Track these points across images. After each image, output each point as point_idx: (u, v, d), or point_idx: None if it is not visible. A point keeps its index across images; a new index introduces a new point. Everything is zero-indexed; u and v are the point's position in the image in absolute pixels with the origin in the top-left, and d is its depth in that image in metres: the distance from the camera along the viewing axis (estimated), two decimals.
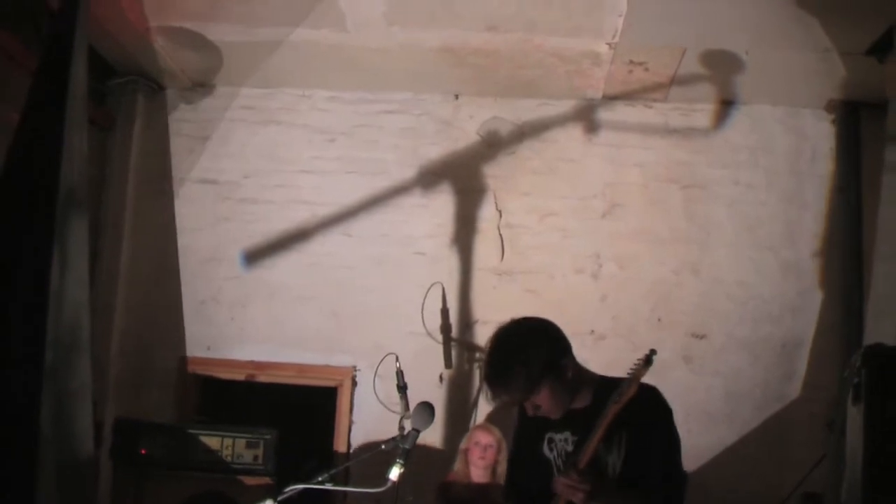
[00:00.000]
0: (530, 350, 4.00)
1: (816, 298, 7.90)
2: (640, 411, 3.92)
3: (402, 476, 4.10)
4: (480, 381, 7.52)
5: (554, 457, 4.10)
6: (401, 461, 4.01)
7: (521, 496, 4.24)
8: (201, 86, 8.48)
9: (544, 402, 3.97)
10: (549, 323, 4.14)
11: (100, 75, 8.08)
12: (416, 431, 4.09)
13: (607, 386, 4.00)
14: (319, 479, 4.00)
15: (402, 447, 4.05)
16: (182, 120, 8.54)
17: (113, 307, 8.04)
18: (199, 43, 7.65)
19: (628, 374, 3.92)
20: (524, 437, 4.29)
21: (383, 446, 4.16)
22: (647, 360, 3.92)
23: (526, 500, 4.15)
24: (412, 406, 4.40)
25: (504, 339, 4.07)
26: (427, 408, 4.16)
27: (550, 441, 4.11)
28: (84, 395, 5.94)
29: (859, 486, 4.48)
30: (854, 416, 4.55)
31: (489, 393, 4.04)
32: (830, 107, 8.07)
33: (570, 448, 4.01)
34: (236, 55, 7.84)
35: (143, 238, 8.30)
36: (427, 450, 7.51)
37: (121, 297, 8.12)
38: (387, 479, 3.98)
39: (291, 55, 7.77)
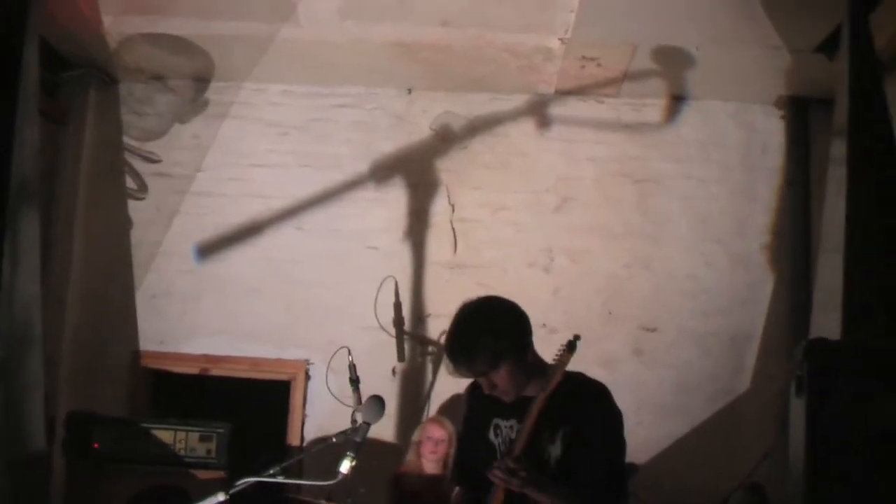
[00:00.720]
0: (498, 325, 4.03)
1: (766, 291, 7.99)
2: (587, 408, 3.96)
3: (353, 469, 4.12)
4: (439, 362, 7.61)
5: (499, 443, 4.12)
6: (351, 454, 4.03)
7: (467, 479, 4.28)
8: (154, 78, 8.43)
9: (501, 381, 3.99)
10: (516, 305, 4.18)
11: (52, 67, 8.00)
12: (367, 424, 4.13)
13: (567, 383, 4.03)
14: (271, 471, 4.01)
15: (354, 440, 4.08)
16: (134, 112, 8.48)
17: (65, 301, 7.99)
18: (153, 36, 7.63)
19: (553, 360, 3.95)
20: (472, 422, 4.33)
21: (334, 439, 4.18)
22: (571, 346, 3.95)
23: (472, 484, 4.18)
24: (364, 400, 4.43)
25: (473, 312, 4.10)
26: (377, 401, 4.19)
27: (496, 427, 4.13)
28: (36, 388, 5.93)
29: (801, 477, 4.54)
30: (797, 409, 4.62)
31: (451, 365, 4.05)
32: (780, 103, 8.16)
33: (513, 435, 4.03)
34: (187, 48, 7.79)
35: (95, 231, 8.26)
36: (380, 442, 7.53)
37: (73, 291, 8.07)
38: (338, 472, 4.00)
39: (244, 49, 7.76)
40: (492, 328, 4.00)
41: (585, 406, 3.96)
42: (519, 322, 4.11)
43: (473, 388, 4.30)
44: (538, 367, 4.08)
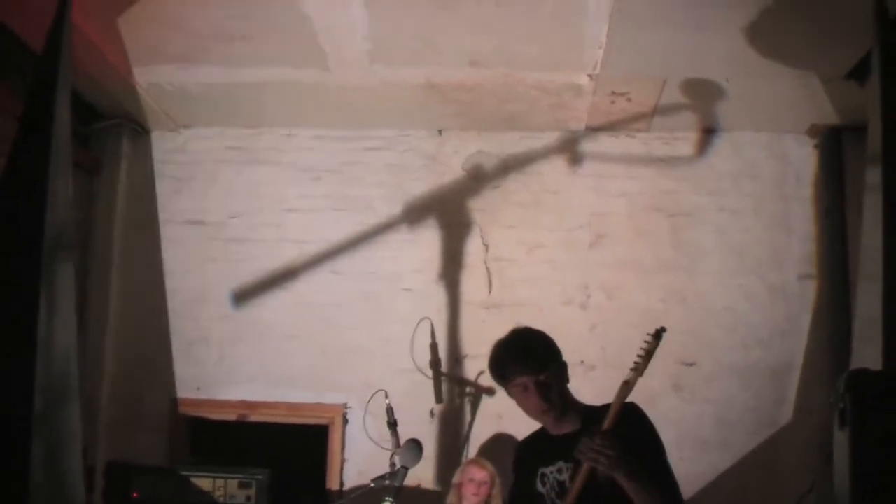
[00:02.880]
0: (547, 338, 4.24)
1: (805, 322, 7.90)
2: (624, 425, 3.94)
3: None
4: (477, 403, 7.58)
5: (547, 490, 4.10)
6: (390, 499, 4.01)
7: None
8: (186, 127, 8.49)
9: (552, 385, 4.03)
10: None
11: (84, 119, 8.09)
12: (405, 468, 4.10)
13: (594, 413, 4.03)
14: None
15: (392, 484, 4.06)
16: (167, 161, 8.54)
17: (102, 350, 8.02)
18: (183, 85, 7.68)
19: (640, 351, 4.00)
20: (519, 478, 4.31)
21: (372, 484, 4.16)
22: (657, 336, 3.98)
23: None
24: (403, 442, 4.41)
25: (517, 330, 4.31)
26: (415, 445, 4.17)
27: (543, 476, 4.12)
28: (74, 440, 5.92)
29: None
30: (840, 441, 4.56)
31: (499, 367, 4.11)
32: (813, 131, 8.10)
33: (562, 477, 4.03)
34: (220, 96, 7.86)
35: (130, 280, 8.30)
36: (420, 488, 7.52)
37: (110, 340, 8.10)
38: None
39: (274, 95, 7.80)
40: (542, 335, 4.21)
41: (634, 431, 3.95)
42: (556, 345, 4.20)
43: (519, 449, 4.33)
44: (573, 404, 4.09)
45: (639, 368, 3.94)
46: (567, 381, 4.14)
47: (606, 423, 3.88)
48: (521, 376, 4.10)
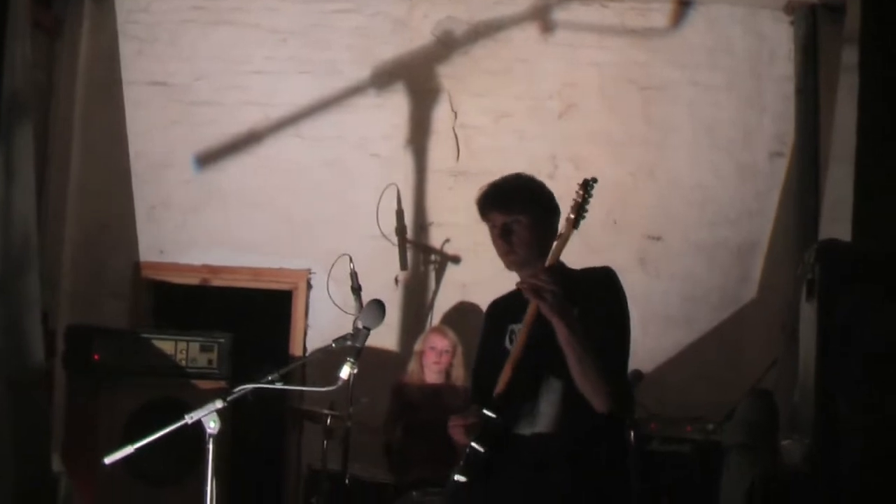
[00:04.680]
0: (539, 184, 4.09)
1: (773, 201, 7.91)
2: (591, 288, 3.88)
3: (354, 377, 4.05)
4: (442, 270, 7.56)
5: (513, 347, 4.04)
6: (352, 360, 3.95)
7: (485, 393, 4.17)
8: None
9: (522, 228, 3.92)
10: None
11: None
12: (367, 330, 4.02)
13: (570, 275, 3.94)
14: (270, 378, 3.94)
15: (354, 346, 4.00)
16: (131, 21, 8.34)
17: (63, 215, 7.94)
18: None
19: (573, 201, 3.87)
20: (488, 335, 4.25)
21: (333, 345, 4.09)
22: (586, 186, 3.89)
23: (490, 396, 4.09)
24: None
25: (520, 173, 4.14)
26: (377, 305, 4.09)
27: (511, 333, 4.05)
28: (34, 304, 5.89)
29: (812, 384, 4.49)
30: (807, 314, 4.55)
31: (479, 202, 4.03)
32: (789, 8, 7.99)
33: None
34: None
35: (92, 144, 8.18)
36: (383, 352, 7.53)
37: (71, 205, 8.02)
38: (337, 378, 3.93)
39: None
40: (534, 181, 4.06)
41: (597, 297, 3.87)
42: (556, 204, 4.08)
43: (491, 306, 4.25)
44: (548, 259, 4.02)
45: (571, 221, 3.85)
46: (553, 235, 3.99)
47: (548, 261, 3.80)
48: (492, 213, 4.04)
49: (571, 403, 3.74)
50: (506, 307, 4.09)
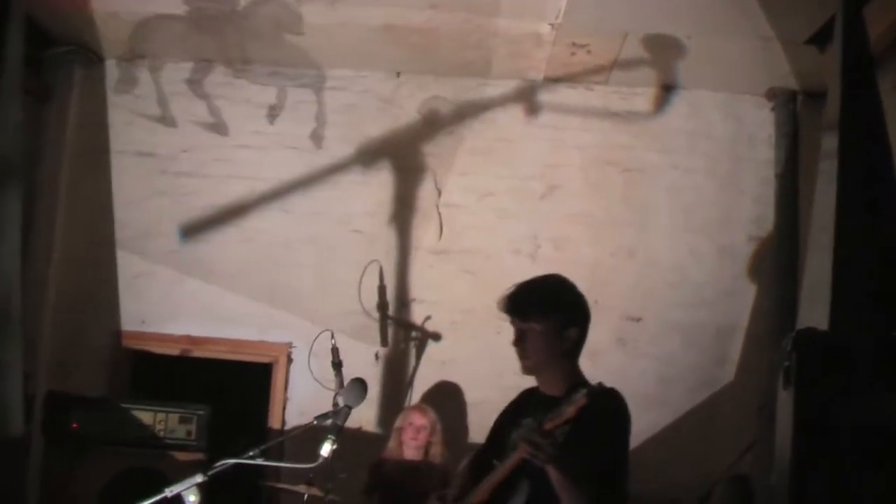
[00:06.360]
0: (561, 291, 4.11)
1: (751, 284, 7.97)
2: (590, 409, 3.82)
3: (334, 454, 4.07)
4: (423, 347, 7.60)
5: (510, 442, 4.05)
6: (332, 437, 3.97)
7: (482, 470, 4.18)
8: (141, 58, 8.35)
9: (532, 337, 3.97)
10: (586, 301, 4.17)
11: (37, 44, 7.88)
12: (349, 408, 4.06)
13: (581, 388, 3.89)
14: (251, 453, 3.95)
15: (334, 423, 4.02)
16: (120, 91, 8.40)
17: (46, 280, 7.91)
18: (141, 15, 7.57)
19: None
20: (497, 424, 4.28)
21: (315, 421, 4.12)
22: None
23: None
24: (346, 383, 4.38)
25: (549, 275, 4.19)
26: (359, 384, 4.13)
27: (517, 429, 4.06)
28: (15, 368, 5.88)
29: (787, 468, 4.52)
30: (784, 400, 4.59)
31: (501, 303, 4.06)
32: (770, 94, 8.11)
33: (522, 433, 3.96)
34: (177, 28, 7.72)
35: (77, 211, 8.18)
36: (362, 430, 7.55)
37: (54, 271, 7.99)
38: (318, 455, 3.95)
39: (233, 30, 7.70)
40: (557, 286, 4.09)
41: (595, 416, 3.82)
42: (577, 308, 4.10)
43: (517, 396, 4.28)
44: (569, 369, 4.04)
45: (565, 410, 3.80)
46: (566, 342, 4.00)
47: (549, 424, 3.74)
48: (510, 317, 4.08)
49: None
50: (524, 401, 4.13)
